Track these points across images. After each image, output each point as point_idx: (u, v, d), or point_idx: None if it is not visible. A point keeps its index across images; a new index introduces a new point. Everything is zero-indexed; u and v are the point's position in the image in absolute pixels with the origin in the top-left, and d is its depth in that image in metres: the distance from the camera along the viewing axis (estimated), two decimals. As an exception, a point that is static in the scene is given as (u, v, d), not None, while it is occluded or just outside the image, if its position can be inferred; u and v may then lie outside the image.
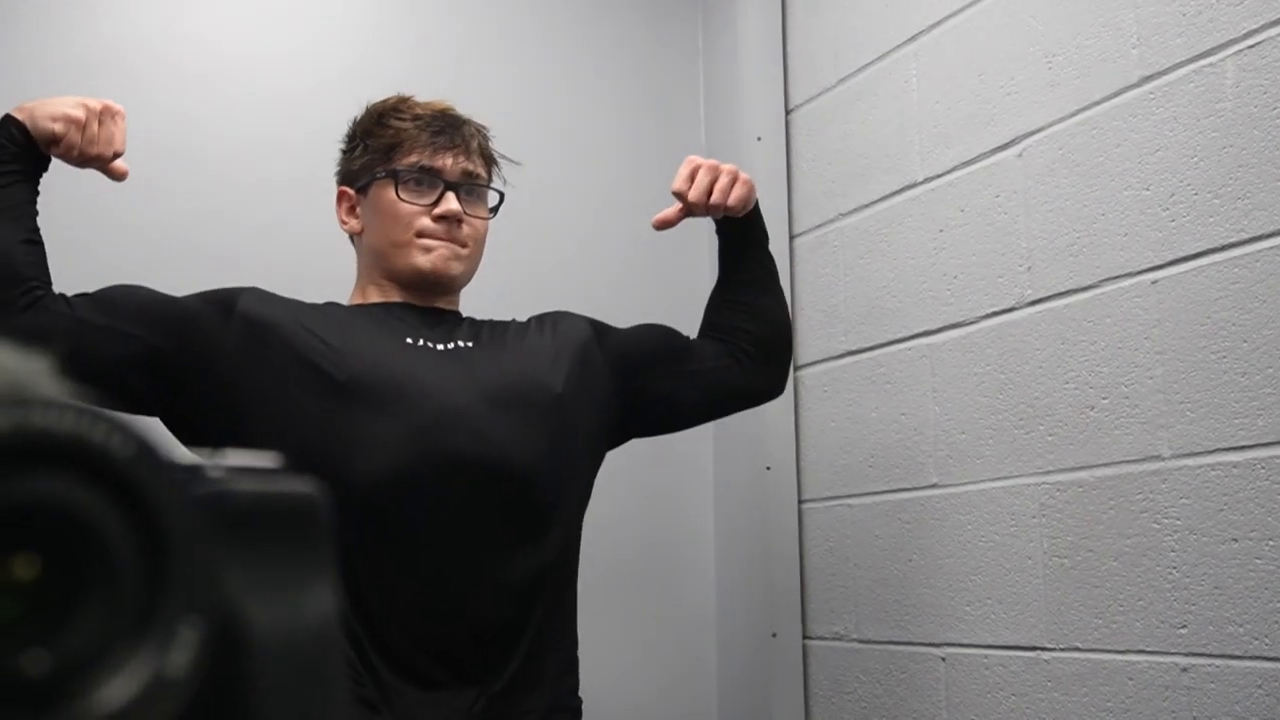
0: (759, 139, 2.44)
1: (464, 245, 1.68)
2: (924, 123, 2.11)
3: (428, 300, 1.69)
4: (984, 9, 1.99)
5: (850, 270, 2.27)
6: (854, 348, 2.25)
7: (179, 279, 2.05)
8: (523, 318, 1.78)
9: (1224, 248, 1.58)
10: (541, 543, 1.61)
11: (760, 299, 1.85)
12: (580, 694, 1.70)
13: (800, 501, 2.36)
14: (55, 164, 1.72)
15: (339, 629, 0.42)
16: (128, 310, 1.52)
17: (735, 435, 2.44)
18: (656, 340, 1.81)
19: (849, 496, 2.24)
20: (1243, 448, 1.54)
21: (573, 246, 2.48)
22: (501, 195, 1.75)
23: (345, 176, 1.73)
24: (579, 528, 1.70)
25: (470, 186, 1.69)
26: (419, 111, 1.69)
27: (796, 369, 2.39)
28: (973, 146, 1.99)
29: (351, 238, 1.74)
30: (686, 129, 2.61)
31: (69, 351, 1.43)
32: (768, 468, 2.36)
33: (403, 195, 1.65)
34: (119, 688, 0.33)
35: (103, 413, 0.34)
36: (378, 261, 1.69)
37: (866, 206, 2.23)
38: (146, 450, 0.34)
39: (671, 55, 2.62)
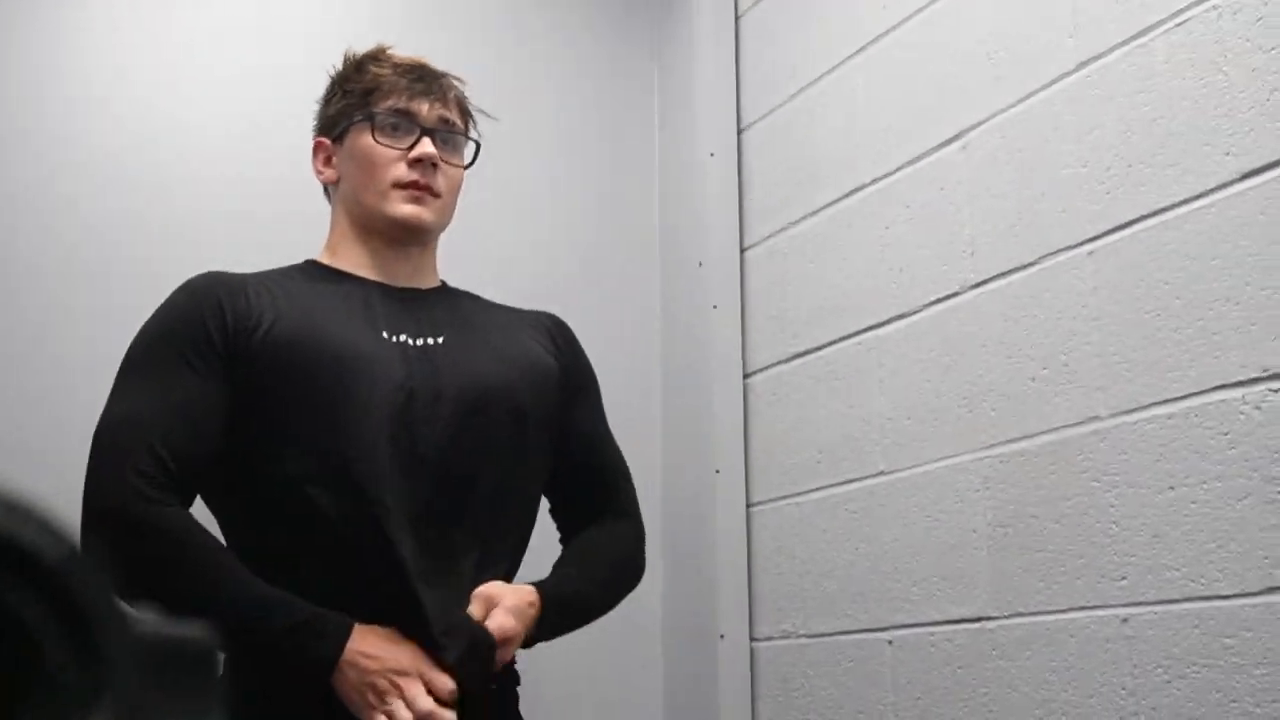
0: (711, 154, 2.52)
1: (438, 194, 1.68)
2: (872, 128, 2.19)
3: (401, 250, 1.70)
4: (929, 17, 2.08)
5: (800, 275, 2.33)
6: (803, 349, 2.30)
7: (161, 270, 2.07)
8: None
9: (1156, 213, 1.65)
10: (499, 550, 1.62)
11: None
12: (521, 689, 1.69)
13: (749, 505, 2.39)
14: (40, 154, 1.74)
15: None
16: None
17: (684, 438, 2.48)
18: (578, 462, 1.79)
19: (797, 495, 2.27)
20: (1176, 399, 1.60)
21: (526, 261, 2.52)
22: (478, 145, 1.76)
23: (322, 126, 1.74)
24: (529, 536, 1.72)
25: (447, 134, 1.70)
26: (397, 60, 1.71)
27: (746, 376, 2.44)
28: (918, 144, 2.08)
29: (326, 190, 1.76)
30: (641, 147, 2.69)
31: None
32: (717, 471, 2.39)
33: (379, 139, 1.66)
34: None
35: (34, 511, 0.33)
36: (354, 210, 1.69)
37: (816, 213, 2.31)
38: (76, 556, 0.33)
39: (626, 78, 2.70)
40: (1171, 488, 1.59)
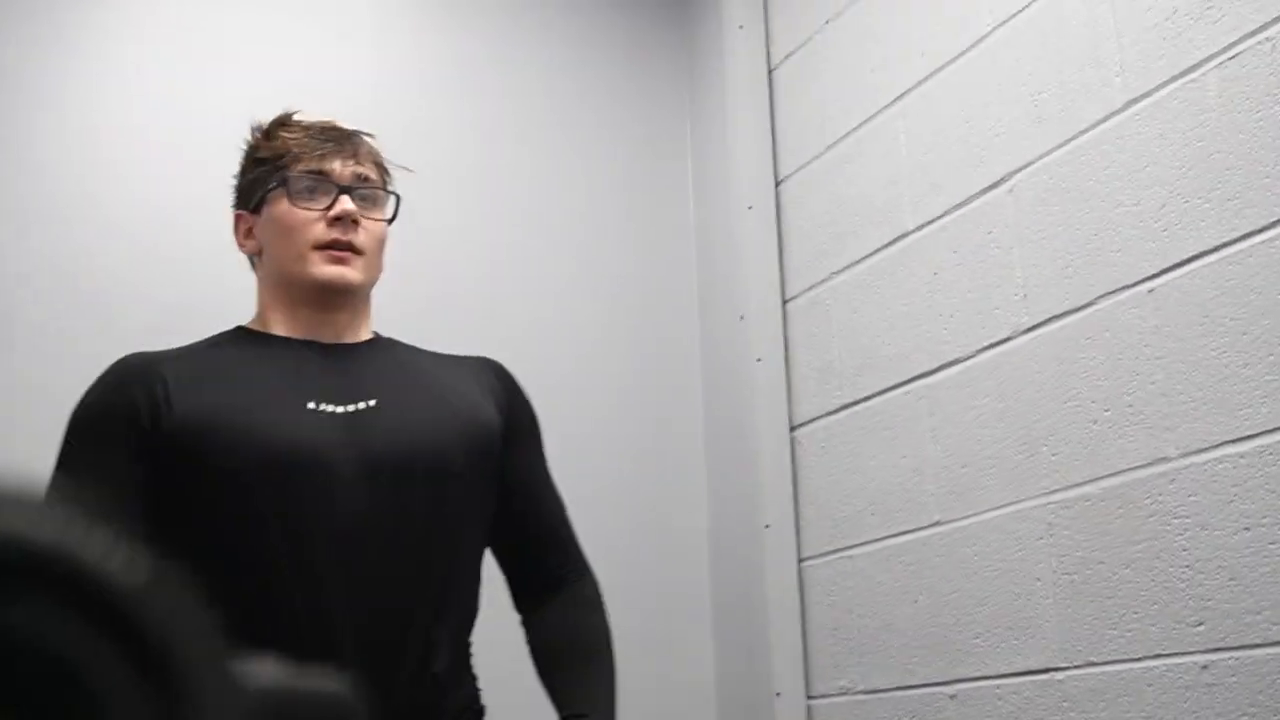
0: (749, 207, 2.51)
1: (360, 251, 1.64)
2: (914, 175, 2.17)
3: (330, 314, 1.65)
4: (969, 60, 2.07)
5: (844, 325, 2.31)
6: (850, 400, 2.27)
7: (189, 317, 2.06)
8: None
9: (1218, 248, 1.62)
10: (444, 614, 1.58)
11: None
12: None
13: (800, 560, 2.34)
14: (86, 202, 1.75)
15: None
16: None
17: (731, 494, 2.44)
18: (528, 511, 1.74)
19: (850, 548, 2.23)
20: (1249, 437, 1.56)
21: (566, 314, 2.51)
22: (398, 199, 1.71)
23: (239, 198, 1.71)
24: (477, 590, 1.66)
25: (365, 191, 1.66)
26: (307, 123, 1.68)
27: (793, 429, 2.41)
28: (963, 189, 2.06)
29: (251, 262, 1.71)
30: (676, 203, 2.68)
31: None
32: (766, 526, 2.35)
33: (296, 202, 1.62)
34: None
35: (100, 527, 0.25)
36: (278, 278, 1.66)
37: (859, 262, 2.29)
38: (159, 579, 0.26)
39: (659, 134, 2.70)
40: (1247, 528, 1.55)
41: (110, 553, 0.25)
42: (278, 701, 0.33)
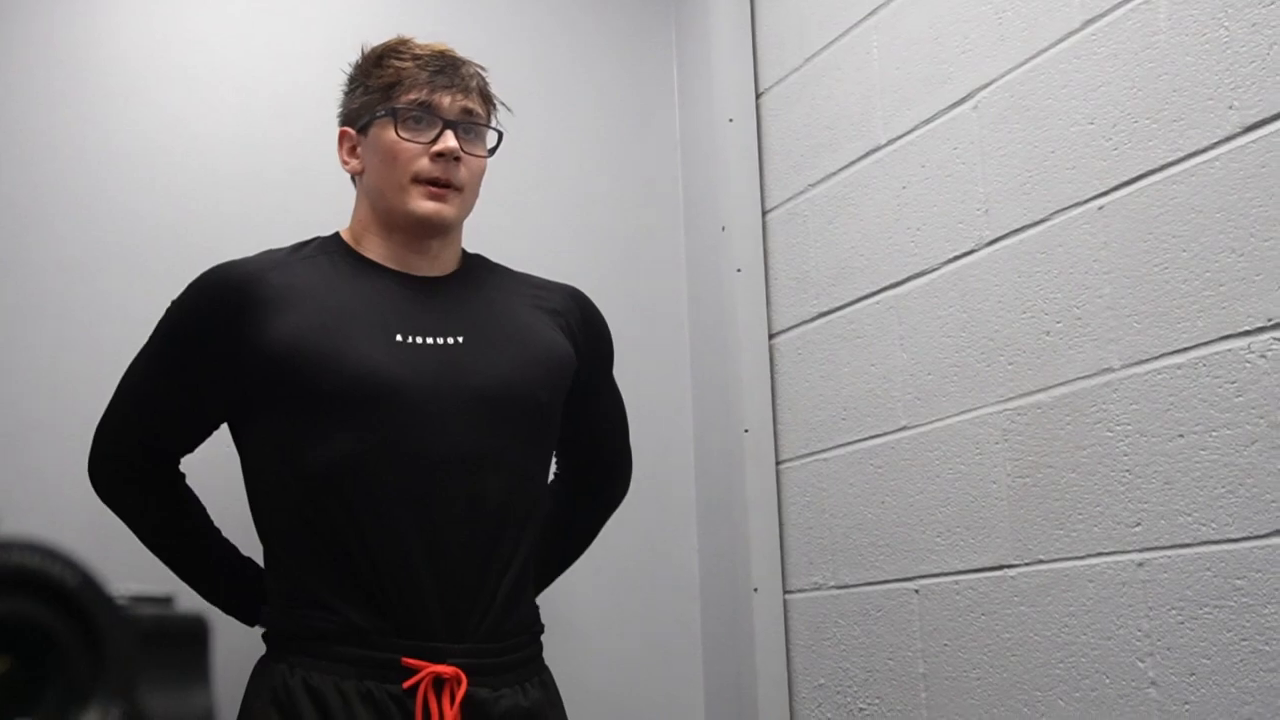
0: (730, 120, 2.56)
1: (460, 187, 1.72)
2: (886, 89, 2.23)
3: (422, 242, 1.74)
4: (938, -23, 2.11)
5: (820, 236, 2.38)
6: (825, 309, 2.35)
7: (171, 268, 2.15)
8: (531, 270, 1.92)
9: (1163, 167, 1.69)
10: (520, 540, 1.69)
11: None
12: (567, 657, 1.82)
13: (778, 463, 2.45)
14: (50, 153, 1.82)
15: None
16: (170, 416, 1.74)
17: (713, 400, 2.54)
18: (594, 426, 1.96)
19: (824, 451, 2.33)
20: (1185, 349, 1.64)
21: (552, 232, 2.58)
22: (500, 135, 1.81)
23: (346, 116, 1.78)
24: (542, 499, 1.79)
25: (469, 125, 1.74)
26: (418, 51, 1.74)
27: (771, 336, 2.49)
28: (931, 105, 2.11)
29: (352, 178, 1.81)
30: (662, 115, 2.73)
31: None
32: (746, 430, 2.45)
33: (402, 133, 1.69)
34: None
35: (59, 551, 0.51)
36: (376, 202, 1.74)
37: (834, 175, 2.35)
38: (89, 581, 0.52)
39: (645, 46, 2.75)
40: (1181, 435, 1.64)
41: (64, 569, 0.51)
42: (153, 625, 0.59)
